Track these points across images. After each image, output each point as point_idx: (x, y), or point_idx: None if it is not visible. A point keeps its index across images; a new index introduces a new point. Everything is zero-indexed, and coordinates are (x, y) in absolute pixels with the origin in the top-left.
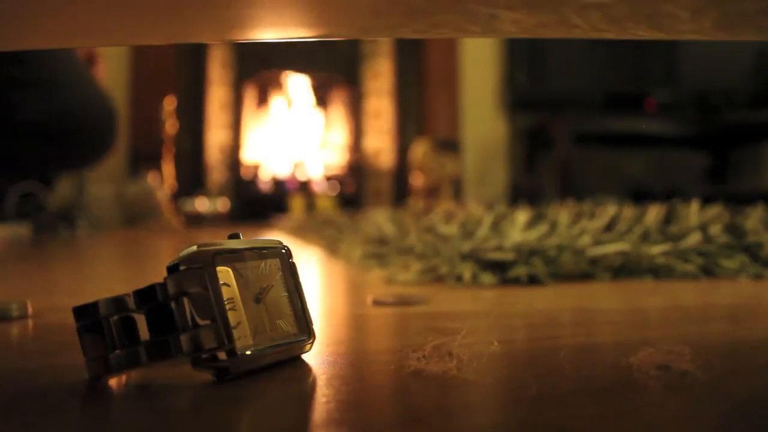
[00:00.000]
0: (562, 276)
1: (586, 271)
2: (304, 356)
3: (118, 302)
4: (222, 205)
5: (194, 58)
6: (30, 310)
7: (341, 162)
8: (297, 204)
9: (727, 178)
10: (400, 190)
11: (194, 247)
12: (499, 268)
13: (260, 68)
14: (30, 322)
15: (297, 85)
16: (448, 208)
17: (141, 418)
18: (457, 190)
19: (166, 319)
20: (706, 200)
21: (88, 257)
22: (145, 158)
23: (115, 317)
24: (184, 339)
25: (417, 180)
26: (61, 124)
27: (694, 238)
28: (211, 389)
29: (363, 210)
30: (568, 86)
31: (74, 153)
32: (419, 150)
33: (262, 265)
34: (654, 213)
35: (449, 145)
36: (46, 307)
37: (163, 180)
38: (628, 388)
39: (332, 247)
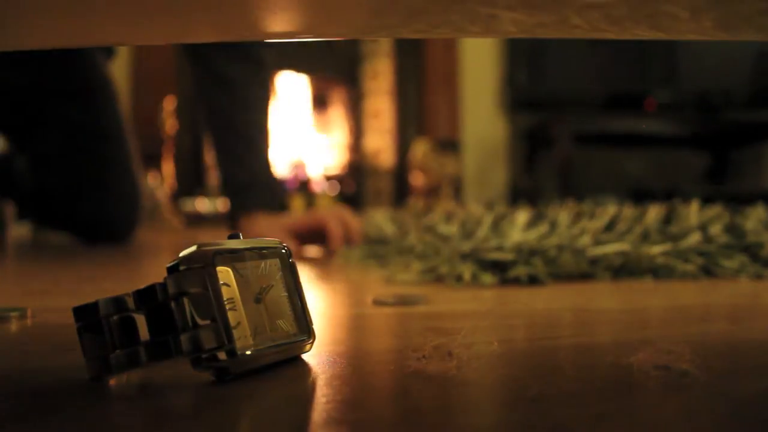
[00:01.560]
0: (562, 276)
1: (586, 271)
2: (304, 356)
3: (118, 302)
4: (222, 205)
5: None
6: (29, 313)
7: (341, 162)
8: (297, 204)
9: (727, 178)
10: (400, 190)
11: (194, 247)
12: (499, 268)
13: None
14: (30, 323)
15: (296, 85)
16: (448, 208)
17: (141, 418)
18: (457, 190)
19: (166, 319)
20: (706, 200)
21: (87, 257)
22: (145, 158)
23: (115, 317)
24: (184, 339)
25: (417, 180)
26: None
27: (694, 238)
28: (211, 389)
29: (363, 210)
30: (568, 86)
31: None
32: (419, 150)
33: (262, 265)
34: (654, 213)
35: (449, 145)
36: (45, 308)
37: (163, 180)
38: (628, 388)
39: None
